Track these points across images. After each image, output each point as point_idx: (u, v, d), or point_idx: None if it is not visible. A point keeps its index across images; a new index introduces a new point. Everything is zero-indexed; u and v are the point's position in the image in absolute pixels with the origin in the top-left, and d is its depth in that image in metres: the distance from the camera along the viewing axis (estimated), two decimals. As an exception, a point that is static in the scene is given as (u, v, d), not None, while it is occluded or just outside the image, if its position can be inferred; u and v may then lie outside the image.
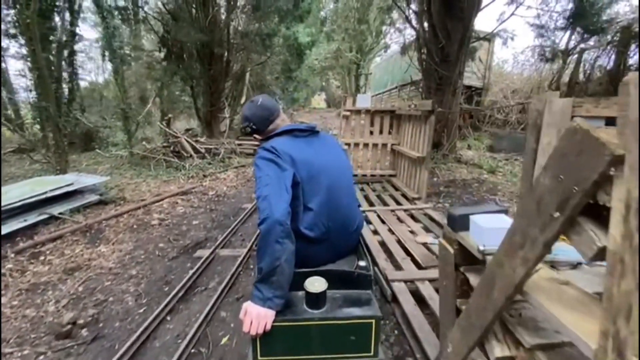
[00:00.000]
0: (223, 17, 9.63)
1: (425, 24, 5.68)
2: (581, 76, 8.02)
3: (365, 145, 5.00)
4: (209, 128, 10.60)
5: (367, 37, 16.20)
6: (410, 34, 7.33)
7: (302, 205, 1.20)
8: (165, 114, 12.57)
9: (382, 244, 2.83)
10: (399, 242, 2.82)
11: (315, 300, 1.03)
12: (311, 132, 1.36)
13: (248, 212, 4.14)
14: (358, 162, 5.11)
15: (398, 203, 3.95)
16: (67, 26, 4.38)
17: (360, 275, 1.15)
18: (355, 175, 5.02)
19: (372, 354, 1.05)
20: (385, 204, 3.95)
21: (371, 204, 3.99)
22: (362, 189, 4.72)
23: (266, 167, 1.15)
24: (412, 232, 3.02)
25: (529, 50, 9.54)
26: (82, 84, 15.63)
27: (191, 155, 7.47)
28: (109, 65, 11.63)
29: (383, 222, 3.30)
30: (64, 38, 4.40)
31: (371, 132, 5.00)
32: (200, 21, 9.16)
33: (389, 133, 5.01)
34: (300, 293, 1.07)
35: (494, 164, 6.17)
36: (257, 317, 0.98)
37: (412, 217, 3.54)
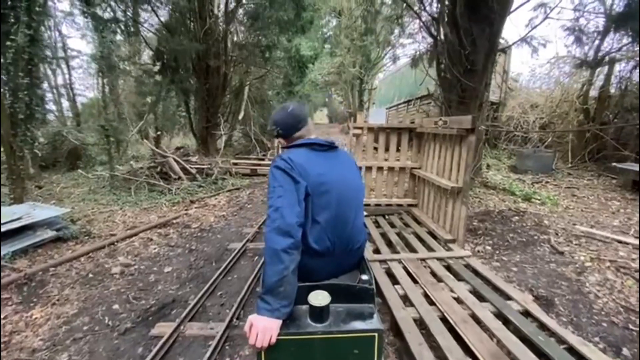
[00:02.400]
0: (221, 28, 9.07)
1: (445, 30, 4.97)
2: (612, 89, 7.25)
3: (380, 168, 4.17)
4: (205, 146, 9.88)
5: (372, 51, 15.72)
6: (422, 45, 6.65)
7: (310, 218, 1.20)
8: (160, 131, 11.92)
9: (420, 322, 1.95)
10: (444, 320, 1.94)
11: (319, 313, 1.01)
12: (330, 147, 1.37)
13: (235, 257, 3.27)
14: (371, 189, 4.27)
15: (427, 246, 3.07)
16: (25, 30, 3.66)
17: (363, 289, 1.13)
18: (368, 205, 4.17)
19: None
20: (411, 247, 3.07)
21: (392, 247, 3.12)
22: (375, 222, 3.86)
23: (281, 178, 1.18)
24: (458, 300, 2.14)
25: (548, 63, 8.85)
26: (81, 99, 15.21)
27: (180, 177, 6.67)
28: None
29: (414, 279, 2.42)
30: (22, 44, 3.68)
31: (386, 149, 4.18)
32: (196, 32, 8.59)
33: (409, 150, 4.19)
34: (304, 307, 1.05)
35: (527, 189, 5.31)
36: (264, 329, 0.97)
37: (449, 268, 2.66)
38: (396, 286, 2.32)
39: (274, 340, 0.97)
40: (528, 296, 2.25)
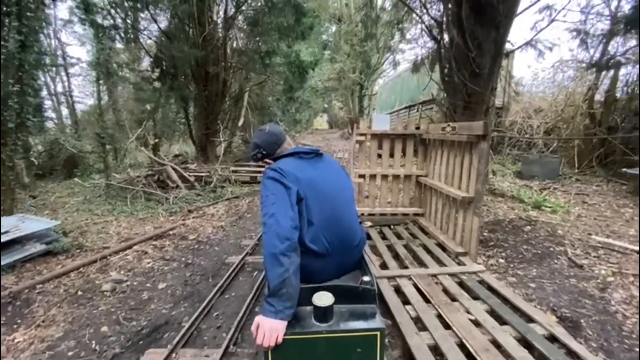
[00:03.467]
0: (220, 34, 8.98)
1: (451, 33, 4.86)
2: (618, 93, 7.11)
3: (384, 176, 4.01)
4: (204, 153, 9.74)
5: (372, 56, 15.67)
6: (424, 49, 6.52)
7: (306, 220, 1.24)
8: (159, 138, 11.79)
9: (435, 349, 1.76)
10: (462, 347, 1.75)
11: (323, 314, 1.04)
12: (315, 154, 1.44)
13: (233, 272, 3.09)
14: (375, 198, 4.10)
15: (437, 260, 2.89)
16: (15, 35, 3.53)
17: (365, 290, 1.16)
18: (372, 215, 4.00)
19: None
20: (420, 261, 2.89)
21: (400, 260, 2.94)
22: (381, 233, 3.69)
23: (272, 186, 1.22)
24: (476, 323, 1.96)
25: (552, 67, 8.74)
26: (81, 107, 15.14)
27: (177, 186, 6.50)
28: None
29: (426, 299, 2.24)
30: (12, 49, 3.54)
31: (390, 155, 4.01)
32: (195, 39, 8.50)
33: (414, 157, 4.04)
34: (309, 308, 1.09)
35: (536, 196, 5.13)
36: (270, 330, 1.00)
37: (462, 285, 2.47)
38: (407, 306, 2.14)
39: (280, 340, 1.00)
40: (551, 317, 2.07)
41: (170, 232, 4.42)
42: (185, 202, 5.83)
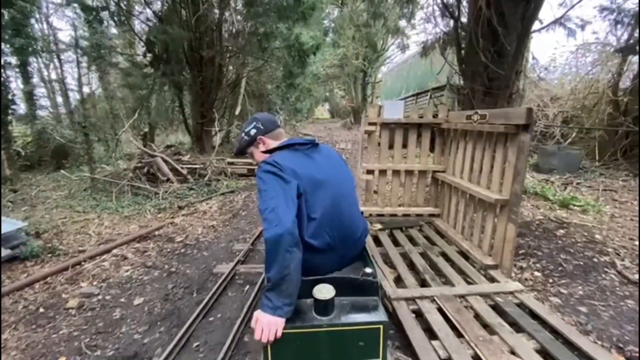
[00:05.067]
0: (215, 15, 8.36)
1: (468, 9, 4.29)
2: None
3: (395, 172, 3.53)
4: (200, 143, 9.25)
5: (378, 40, 14.92)
6: (435, 30, 5.92)
7: (306, 216, 1.21)
8: (153, 128, 11.28)
9: (479, 412, 1.32)
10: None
11: (324, 307, 1.02)
12: (311, 145, 1.38)
13: (221, 285, 2.64)
14: (385, 197, 3.63)
15: (462, 272, 2.43)
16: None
17: (367, 282, 1.14)
18: (382, 215, 3.54)
19: (380, 359, 1.04)
20: (443, 276, 2.43)
21: (418, 274, 2.48)
22: (392, 236, 3.23)
23: (270, 181, 1.17)
24: (527, 370, 1.51)
25: (577, 49, 8.11)
26: (75, 95, 14.54)
27: (169, 179, 6.03)
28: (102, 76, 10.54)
29: (457, 331, 1.79)
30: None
31: (404, 146, 3.51)
32: (188, 20, 7.90)
33: (430, 152, 3.55)
34: (309, 300, 1.07)
35: (561, 192, 4.65)
36: (268, 325, 0.98)
37: (497, 309, 2.02)
38: (434, 343, 1.69)
39: (279, 334, 0.98)
40: (619, 359, 1.62)
41: (156, 233, 3.98)
42: (176, 197, 5.38)
